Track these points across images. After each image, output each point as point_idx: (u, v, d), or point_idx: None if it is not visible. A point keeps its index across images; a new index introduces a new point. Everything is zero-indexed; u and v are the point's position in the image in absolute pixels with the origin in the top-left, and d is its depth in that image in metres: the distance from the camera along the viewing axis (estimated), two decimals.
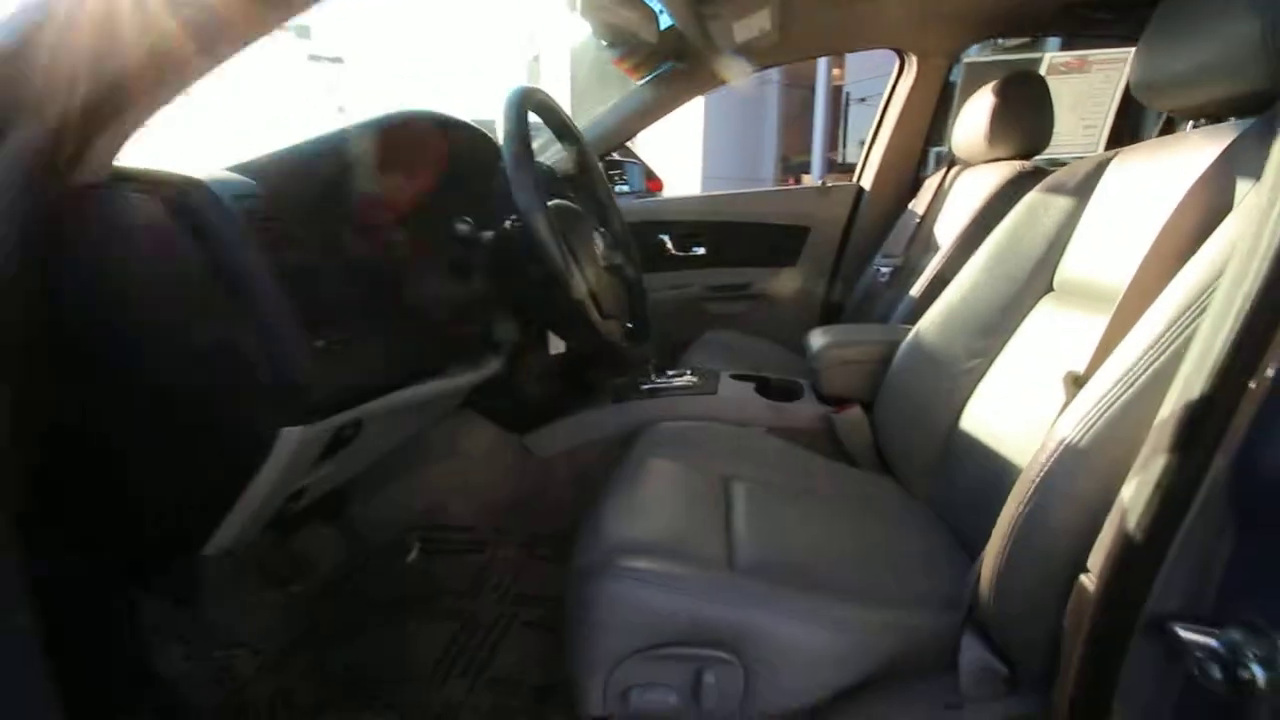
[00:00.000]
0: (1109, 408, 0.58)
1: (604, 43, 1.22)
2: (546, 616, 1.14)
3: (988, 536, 0.70)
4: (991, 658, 0.69)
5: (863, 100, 6.41)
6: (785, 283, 2.02)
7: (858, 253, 1.94)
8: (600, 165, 1.05)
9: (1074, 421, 0.60)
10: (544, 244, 0.68)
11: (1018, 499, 0.65)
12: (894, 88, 1.81)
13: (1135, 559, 0.50)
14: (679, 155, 7.96)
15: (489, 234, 0.73)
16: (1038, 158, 1.46)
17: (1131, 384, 0.57)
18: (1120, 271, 0.80)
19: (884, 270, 1.72)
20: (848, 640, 0.72)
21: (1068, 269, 0.93)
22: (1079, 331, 0.84)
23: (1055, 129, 1.44)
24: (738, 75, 1.77)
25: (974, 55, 2.02)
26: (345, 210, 0.67)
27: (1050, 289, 0.96)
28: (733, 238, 2.02)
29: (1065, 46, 2.24)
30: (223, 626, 1.05)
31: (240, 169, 0.64)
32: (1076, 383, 0.65)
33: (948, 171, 1.67)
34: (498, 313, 0.88)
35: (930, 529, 0.95)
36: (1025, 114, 1.38)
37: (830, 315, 2.01)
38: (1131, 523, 0.50)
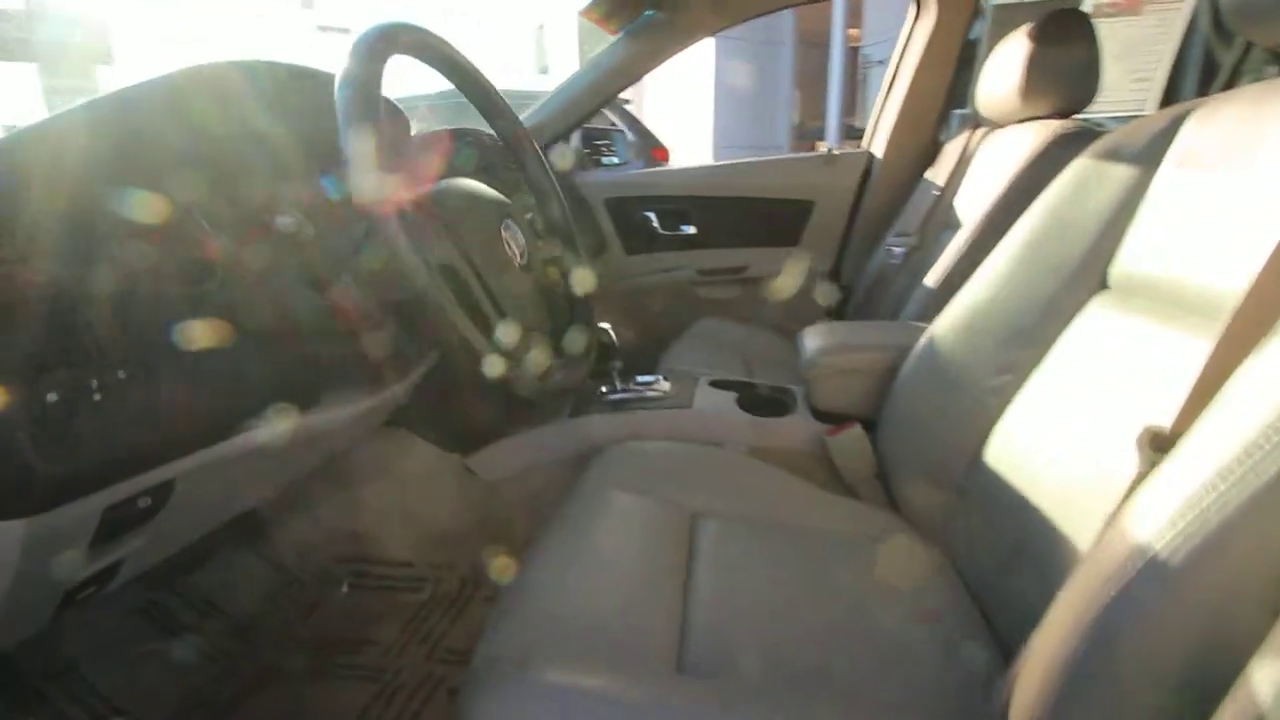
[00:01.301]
0: (1228, 498, 0.37)
1: None
2: None
3: (1019, 623, 0.52)
4: None
5: (882, 62, 6.02)
6: (786, 265, 1.80)
7: (868, 230, 1.70)
8: (529, 138, 0.83)
9: (1166, 512, 0.40)
10: (391, 245, 0.48)
11: (1075, 610, 0.44)
12: (909, 37, 1.56)
13: None
14: (689, 122, 7.63)
15: (311, 231, 0.53)
16: (1078, 117, 1.22)
17: (1265, 460, 0.36)
18: (1216, 271, 0.58)
19: (896, 251, 1.49)
20: None
21: (1129, 260, 0.71)
22: (1150, 350, 0.62)
23: (1102, 82, 1.19)
24: (726, 23, 1.53)
25: None
26: (109, 209, 0.48)
27: (1104, 285, 0.74)
28: (726, 215, 1.80)
29: None
30: (100, 692, 0.89)
31: None
32: (1160, 445, 0.44)
33: (972, 135, 1.43)
34: (381, 325, 0.68)
35: (944, 593, 0.75)
36: (1069, 60, 1.13)
37: (838, 300, 1.79)
38: None
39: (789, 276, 1.80)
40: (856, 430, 0.96)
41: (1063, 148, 1.07)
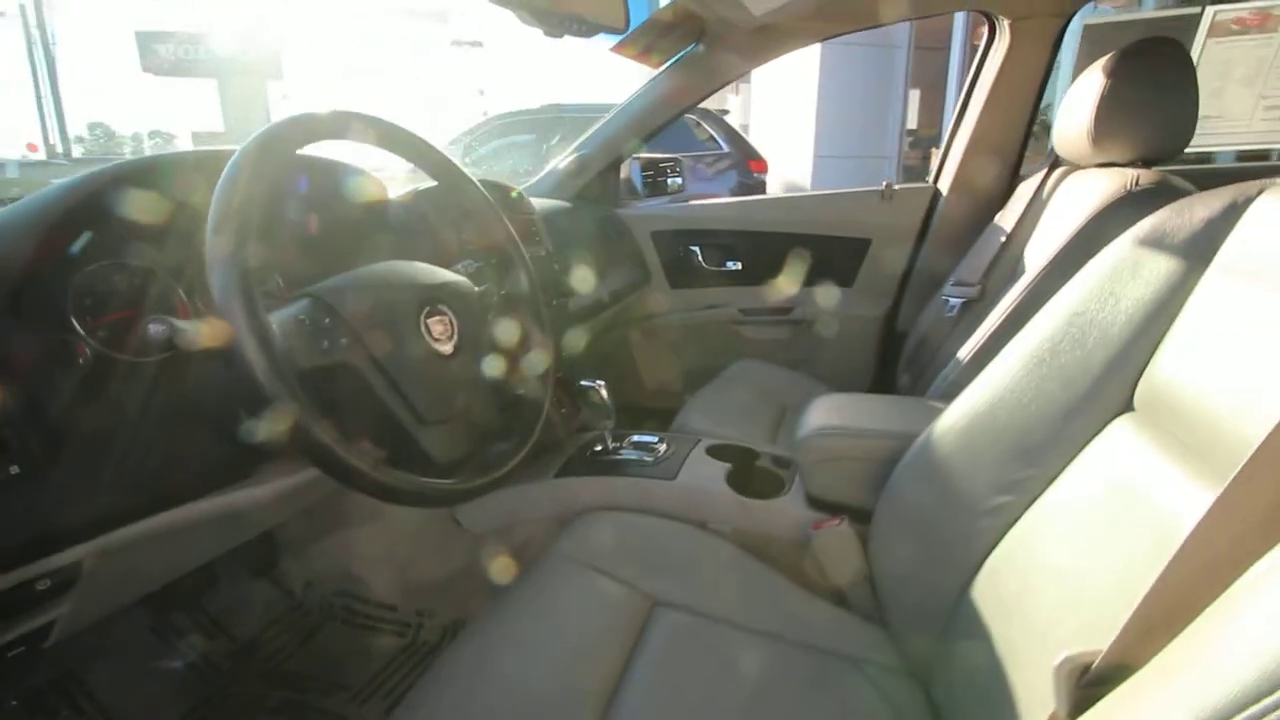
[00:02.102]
0: None
1: (544, 33, 0.96)
2: None
3: None
4: None
5: None
6: (838, 308, 1.67)
7: (928, 274, 1.54)
8: (489, 203, 0.80)
9: None
10: (242, 353, 0.46)
11: None
12: (981, 61, 1.38)
13: None
14: (792, 131, 7.36)
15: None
16: (1191, 147, 1.00)
17: None
18: (1247, 413, 0.45)
19: (953, 303, 1.33)
20: None
21: (1163, 377, 0.57)
22: (1178, 499, 0.50)
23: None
24: (772, 56, 1.44)
25: (1098, 14, 1.51)
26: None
27: (1128, 407, 0.60)
28: (775, 251, 1.69)
29: None
30: (100, 703, 0.97)
31: None
32: (1090, 680, 0.34)
33: (1049, 174, 1.24)
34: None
35: None
36: (1154, 101, 0.95)
37: (891, 350, 1.63)
38: None
39: (839, 321, 1.66)
40: (844, 529, 0.85)
41: (1132, 207, 0.90)
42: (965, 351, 1.06)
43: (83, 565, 0.58)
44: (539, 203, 1.49)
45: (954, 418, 0.74)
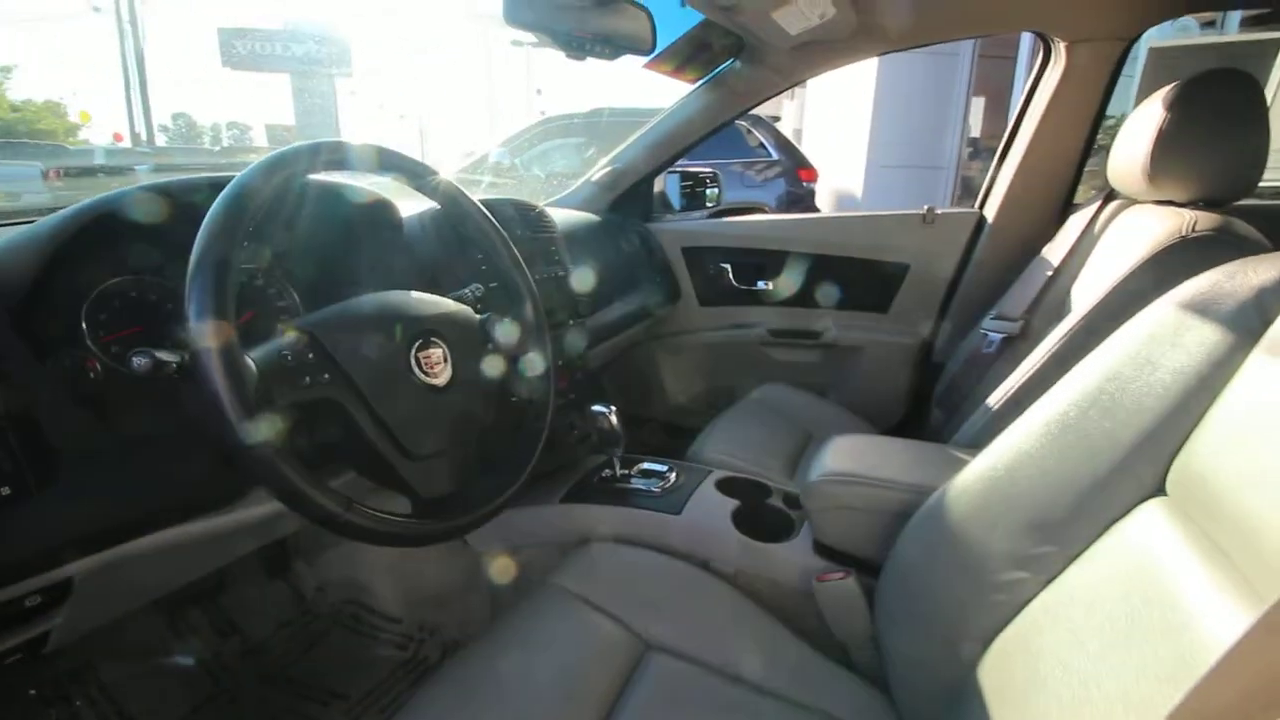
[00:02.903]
0: None
1: (565, 53, 0.95)
2: None
3: None
4: None
5: None
6: (871, 334, 1.61)
7: (969, 304, 1.46)
8: (496, 229, 0.79)
9: None
10: (206, 388, 0.46)
11: None
12: (1035, 83, 1.30)
13: None
14: (844, 140, 7.19)
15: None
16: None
17: None
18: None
19: (992, 337, 1.26)
20: None
21: (1200, 463, 0.51)
22: (1210, 604, 0.44)
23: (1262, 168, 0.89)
24: (811, 73, 1.39)
25: (1166, 37, 1.40)
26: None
27: (1160, 490, 0.54)
28: (809, 272, 1.64)
29: None
30: (113, 697, 1.00)
31: None
32: None
33: (1102, 207, 1.16)
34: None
35: None
36: (1213, 141, 0.87)
37: (925, 382, 1.56)
38: None
39: (872, 348, 1.60)
40: (849, 583, 0.81)
41: (1186, 255, 0.83)
42: (998, 398, 1.00)
43: (74, 581, 0.60)
44: (567, 216, 1.48)
45: (971, 477, 0.69)
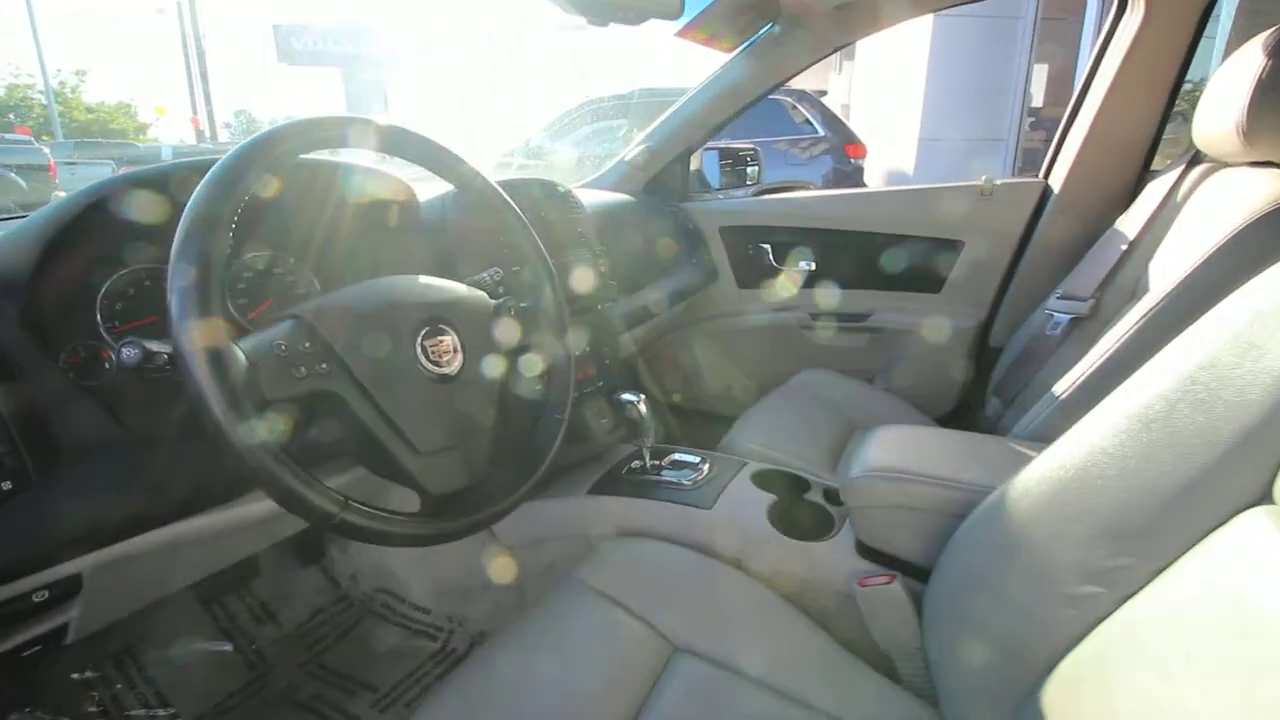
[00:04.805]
0: None
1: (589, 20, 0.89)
2: None
3: None
4: None
5: None
6: (921, 316, 1.50)
7: (1032, 283, 1.35)
8: (514, 210, 0.74)
9: None
10: (189, 384, 0.43)
11: None
12: (1108, 37, 1.17)
13: None
14: (895, 113, 6.89)
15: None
16: None
17: None
18: None
19: (1058, 319, 1.15)
20: None
21: None
22: None
23: None
24: (854, 37, 1.30)
25: None
26: None
27: (1267, 498, 0.46)
28: (854, 251, 1.55)
29: None
30: (152, 681, 1.02)
31: None
32: None
33: (1186, 172, 1.04)
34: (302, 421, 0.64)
35: None
36: None
37: (982, 368, 1.46)
38: None
39: (922, 331, 1.50)
40: (895, 589, 0.74)
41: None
42: (1066, 385, 0.90)
43: (82, 575, 0.59)
44: (598, 197, 1.43)
45: (1035, 477, 0.62)
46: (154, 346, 0.49)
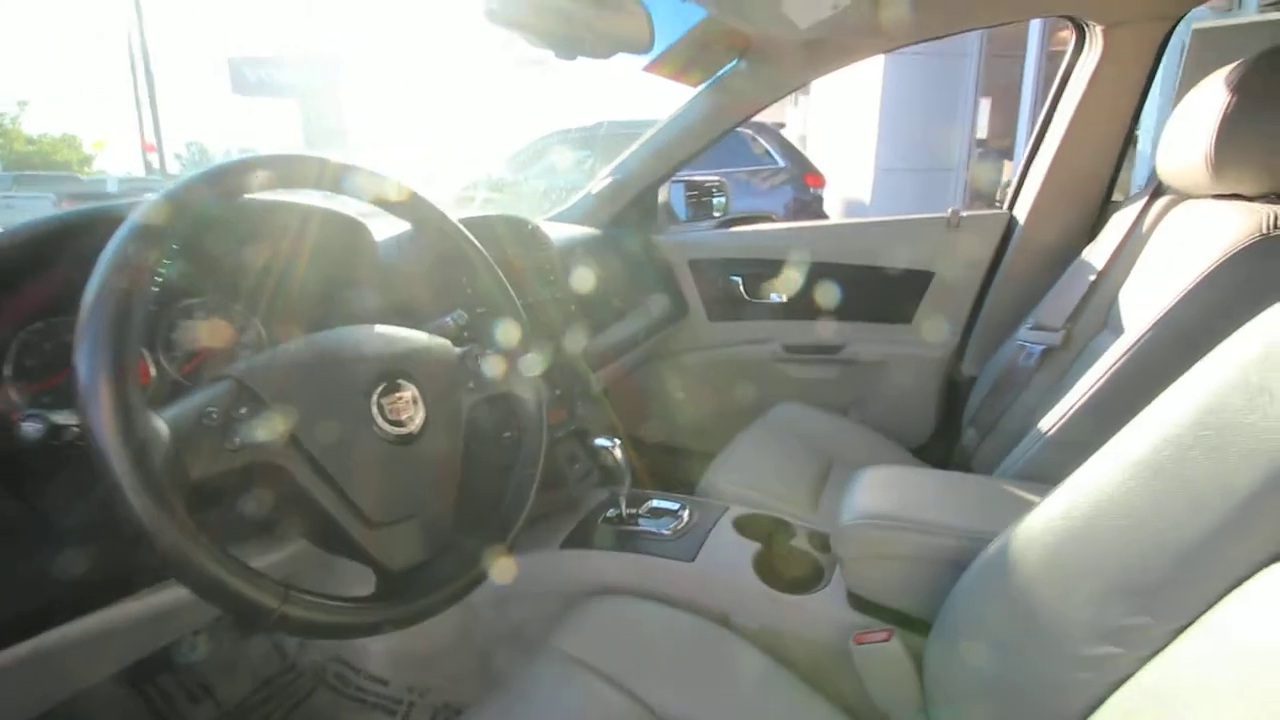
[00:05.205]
0: None
1: (555, 53, 0.86)
2: None
3: None
4: None
5: None
6: (894, 347, 1.50)
7: (1001, 312, 1.35)
8: (472, 244, 0.69)
9: None
10: (94, 446, 0.37)
11: None
12: (1067, 72, 1.20)
13: None
14: (851, 144, 7.10)
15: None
16: None
17: None
18: None
19: (1031, 349, 1.15)
20: None
21: None
22: None
23: None
24: (820, 73, 1.30)
25: (1210, 18, 1.30)
26: None
27: None
28: (825, 283, 1.54)
29: None
30: None
31: None
32: None
33: (1149, 204, 1.05)
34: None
35: None
36: None
37: (955, 398, 1.45)
38: None
39: (895, 361, 1.49)
40: (893, 646, 0.70)
41: (1273, 255, 0.72)
42: (1051, 422, 0.89)
43: None
44: (565, 231, 1.39)
45: (1040, 526, 0.59)
46: (60, 419, 0.42)
